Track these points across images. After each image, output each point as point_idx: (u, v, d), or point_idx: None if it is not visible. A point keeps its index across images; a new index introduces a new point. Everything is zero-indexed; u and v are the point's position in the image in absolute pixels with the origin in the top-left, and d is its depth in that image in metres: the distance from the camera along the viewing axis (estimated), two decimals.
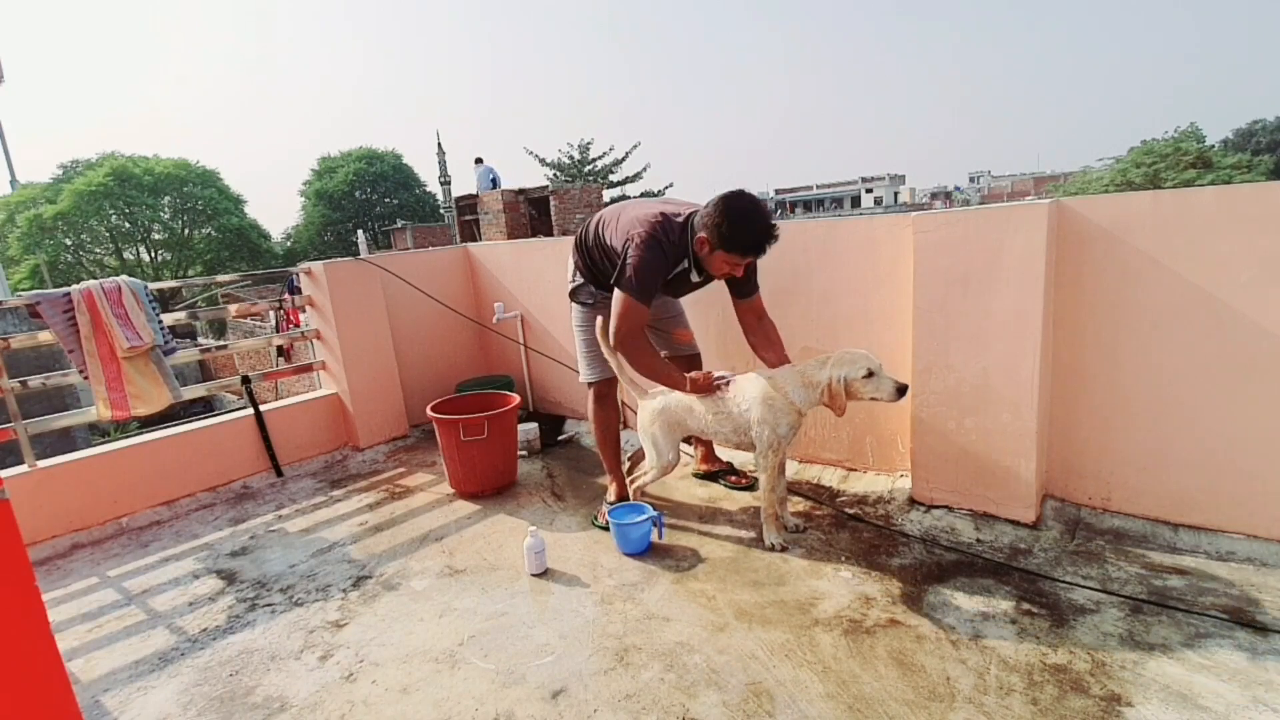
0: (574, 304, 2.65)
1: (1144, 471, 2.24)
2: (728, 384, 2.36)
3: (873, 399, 2.14)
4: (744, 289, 2.41)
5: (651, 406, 2.50)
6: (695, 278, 2.36)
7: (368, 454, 3.63)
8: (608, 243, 2.37)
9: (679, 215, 2.26)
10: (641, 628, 1.97)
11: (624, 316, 2.27)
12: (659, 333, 2.72)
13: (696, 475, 2.98)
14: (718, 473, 2.93)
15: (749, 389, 2.30)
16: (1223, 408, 2.07)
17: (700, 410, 2.40)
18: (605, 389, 2.67)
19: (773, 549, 2.33)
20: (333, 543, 2.68)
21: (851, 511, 2.56)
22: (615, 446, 2.75)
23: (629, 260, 2.22)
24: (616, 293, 2.28)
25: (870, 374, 2.11)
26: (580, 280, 2.59)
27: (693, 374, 2.39)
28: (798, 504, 2.66)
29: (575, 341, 2.69)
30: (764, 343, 2.43)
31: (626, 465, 2.87)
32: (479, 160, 15.04)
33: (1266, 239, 1.93)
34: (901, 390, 2.10)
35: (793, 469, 2.91)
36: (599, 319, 2.44)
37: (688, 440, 2.68)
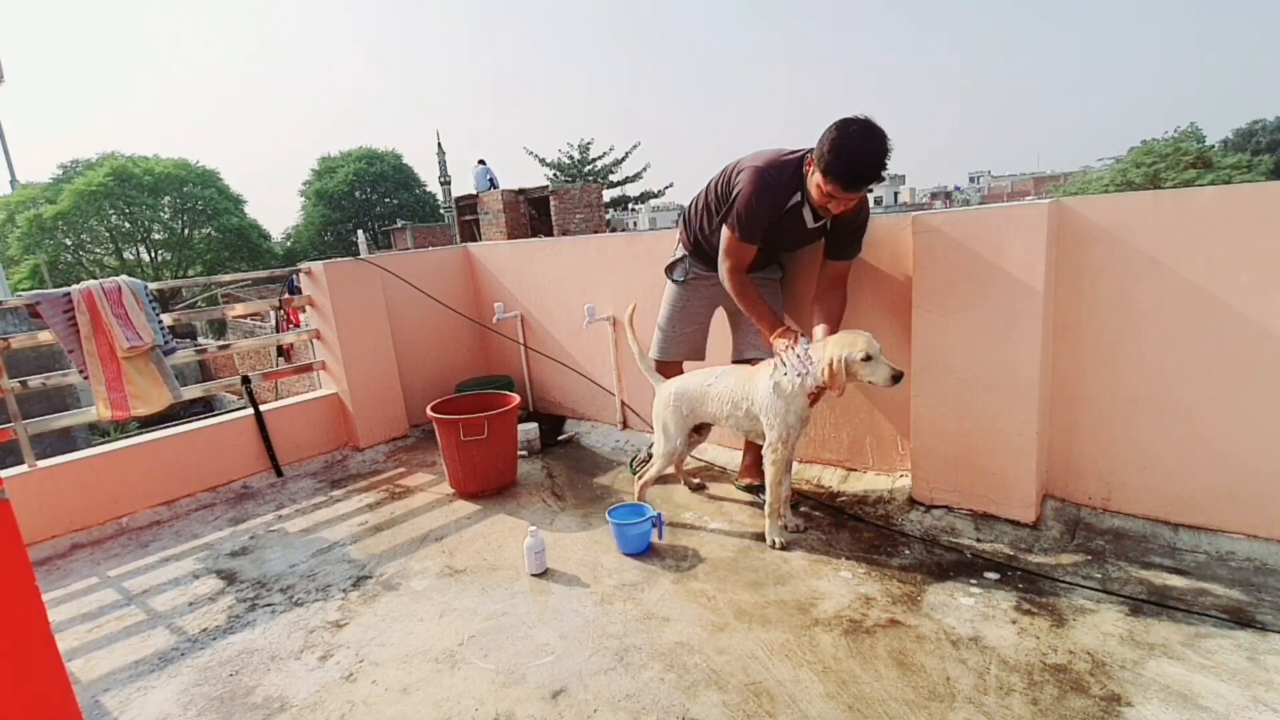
0: (668, 280, 2.69)
1: (1144, 471, 2.24)
2: (798, 349, 2.24)
3: (869, 383, 2.12)
4: (840, 249, 2.33)
5: (666, 391, 2.50)
6: (811, 221, 2.28)
7: (368, 454, 3.64)
8: (727, 189, 2.33)
9: (795, 154, 2.23)
10: (641, 628, 1.97)
11: (728, 253, 2.32)
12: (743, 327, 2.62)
13: (738, 486, 2.82)
14: (760, 487, 2.73)
15: (757, 382, 2.29)
16: (1223, 407, 2.07)
17: (715, 395, 2.40)
18: (665, 371, 2.72)
19: (773, 546, 2.33)
20: (333, 543, 2.68)
21: (851, 511, 2.56)
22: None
23: (737, 196, 2.23)
24: (723, 230, 2.32)
25: (868, 358, 2.09)
26: (681, 254, 2.62)
27: (784, 329, 2.32)
28: (797, 504, 2.66)
29: (659, 315, 2.74)
30: (823, 310, 2.34)
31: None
32: (481, 161, 15.29)
33: (1266, 239, 1.93)
34: (896, 377, 2.08)
35: (793, 469, 2.91)
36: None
37: (699, 430, 2.66)
